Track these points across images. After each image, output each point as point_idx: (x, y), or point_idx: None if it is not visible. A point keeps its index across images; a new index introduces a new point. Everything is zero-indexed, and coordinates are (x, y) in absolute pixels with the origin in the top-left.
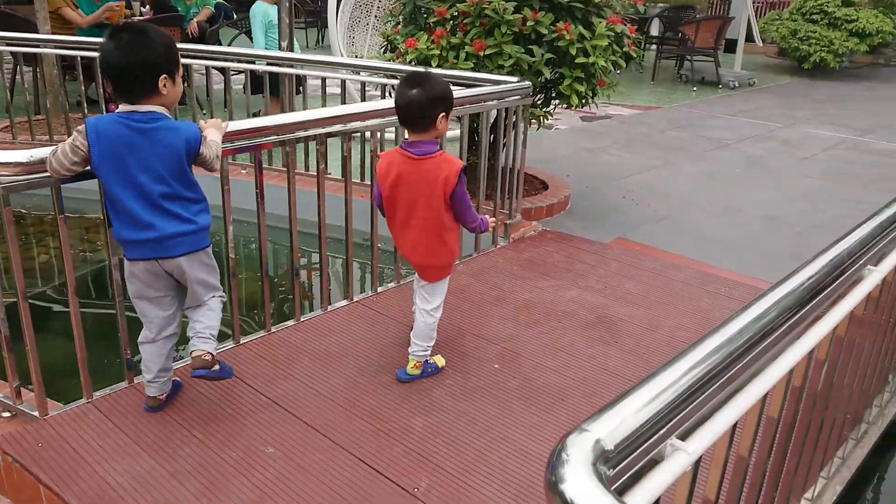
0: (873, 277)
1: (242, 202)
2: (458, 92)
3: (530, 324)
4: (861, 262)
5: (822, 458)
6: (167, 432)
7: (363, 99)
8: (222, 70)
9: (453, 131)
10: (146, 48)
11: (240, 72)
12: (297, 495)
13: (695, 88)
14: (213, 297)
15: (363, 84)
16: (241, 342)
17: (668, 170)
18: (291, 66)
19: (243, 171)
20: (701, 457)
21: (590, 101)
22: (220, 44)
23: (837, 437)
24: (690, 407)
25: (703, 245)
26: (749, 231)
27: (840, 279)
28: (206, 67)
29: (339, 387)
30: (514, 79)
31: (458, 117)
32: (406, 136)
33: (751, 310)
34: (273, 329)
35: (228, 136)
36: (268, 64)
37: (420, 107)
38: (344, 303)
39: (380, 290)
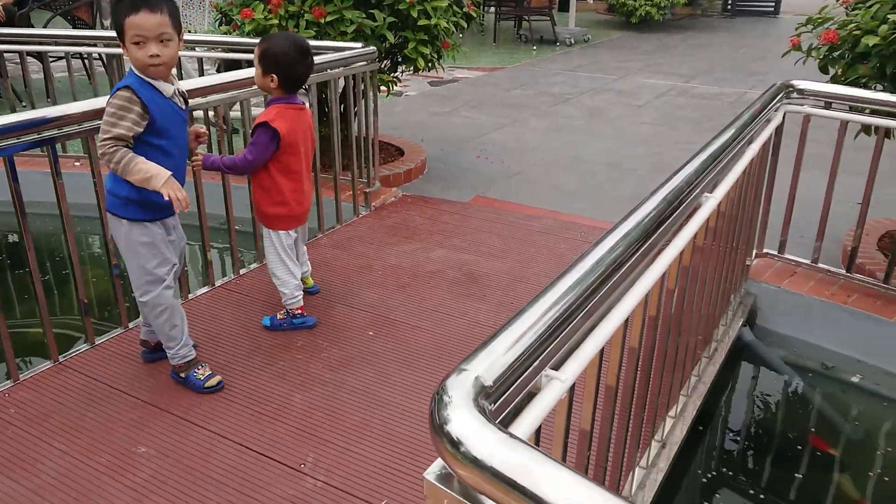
0: (710, 204)
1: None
2: None
3: (400, 287)
4: (697, 191)
5: (681, 377)
6: (22, 449)
7: (202, 75)
8: (39, 56)
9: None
10: None
11: (60, 57)
12: (178, 491)
13: (535, 48)
14: None
15: (200, 61)
16: (97, 343)
17: (518, 127)
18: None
19: (76, 164)
20: (574, 385)
21: (436, 63)
22: (32, 27)
23: (692, 357)
24: (558, 339)
25: (556, 195)
26: (596, 178)
27: (681, 208)
28: (21, 54)
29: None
30: (358, 45)
31: (305, 88)
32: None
33: (602, 245)
34: (131, 325)
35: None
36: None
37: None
38: (205, 289)
39: (242, 272)
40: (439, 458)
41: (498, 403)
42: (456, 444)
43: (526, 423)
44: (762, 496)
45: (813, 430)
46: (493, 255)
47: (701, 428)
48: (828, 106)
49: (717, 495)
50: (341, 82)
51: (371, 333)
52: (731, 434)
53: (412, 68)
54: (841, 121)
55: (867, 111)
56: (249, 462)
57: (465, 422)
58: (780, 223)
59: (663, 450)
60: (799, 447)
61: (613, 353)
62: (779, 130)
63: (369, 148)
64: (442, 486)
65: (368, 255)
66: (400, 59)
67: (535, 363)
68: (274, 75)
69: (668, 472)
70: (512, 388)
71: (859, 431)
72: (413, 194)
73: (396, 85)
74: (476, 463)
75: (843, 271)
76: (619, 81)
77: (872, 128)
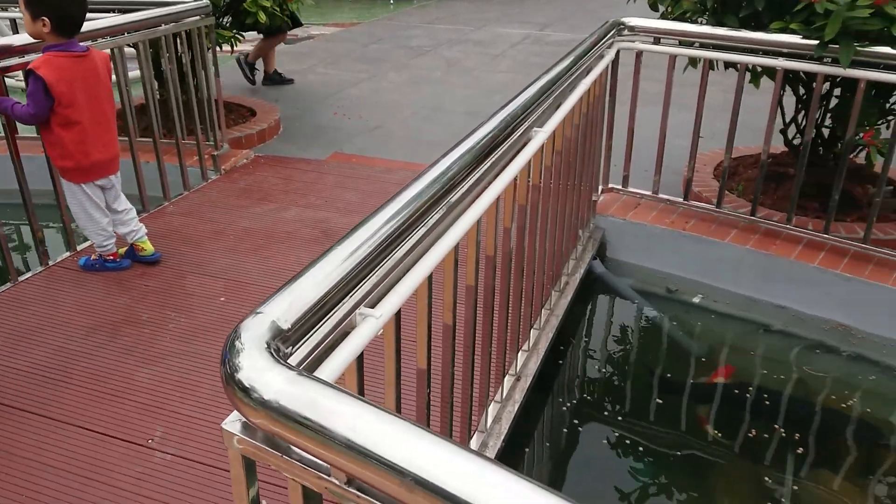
0: (539, 137)
1: None
2: (126, 17)
3: (254, 251)
4: (527, 123)
5: (531, 312)
6: None
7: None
8: None
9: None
10: None
11: None
12: (7, 483)
13: (392, 1)
14: None
15: (13, 20)
16: None
17: (376, 81)
18: None
19: None
20: (398, 321)
21: (281, 18)
22: None
23: (542, 293)
24: (374, 275)
25: (415, 147)
26: (454, 128)
27: (508, 141)
28: None
29: (45, 359)
30: None
31: (132, 45)
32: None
33: (421, 179)
34: None
35: None
36: None
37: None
38: (39, 269)
39: (80, 247)
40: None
41: (302, 345)
42: (247, 390)
43: (335, 363)
44: (620, 419)
45: (665, 351)
46: (349, 211)
47: (561, 362)
48: (657, 41)
49: (576, 421)
50: (176, 41)
51: (223, 300)
52: (587, 362)
53: (253, 22)
54: (669, 55)
55: (696, 45)
56: (91, 444)
57: (254, 366)
58: (635, 159)
59: (518, 382)
60: (651, 370)
61: (447, 289)
62: (614, 66)
63: (212, 109)
64: (242, 436)
65: (220, 220)
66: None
67: (349, 301)
68: (45, 18)
69: (523, 403)
70: (319, 329)
71: (704, 348)
72: (267, 155)
73: (240, 42)
74: (265, 405)
75: (682, 200)
76: (476, 32)
77: (698, 60)
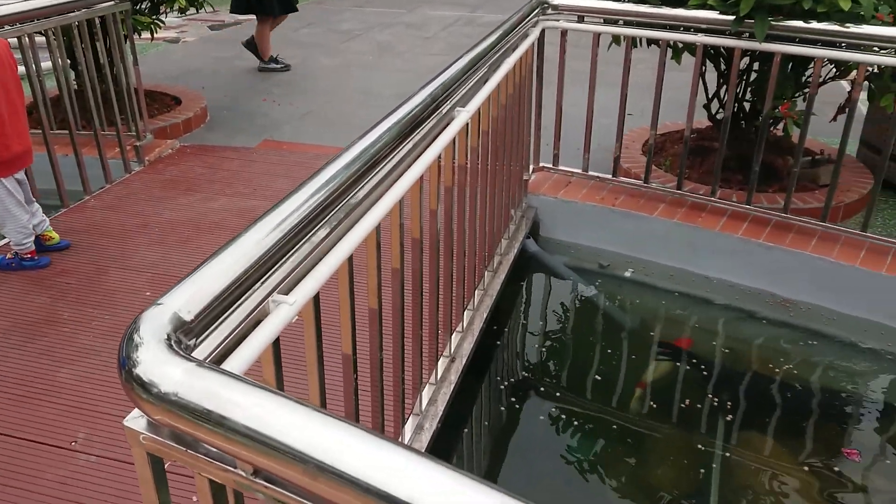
0: (462, 117)
1: None
2: (33, 3)
3: (180, 243)
4: (450, 103)
5: (463, 293)
6: None
7: None
8: None
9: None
10: None
11: None
12: None
13: None
14: None
15: None
16: None
17: (307, 66)
18: None
19: None
20: (317, 307)
21: (200, 1)
22: None
23: (475, 274)
24: (290, 260)
25: (347, 131)
26: (387, 111)
27: (434, 117)
28: None
29: None
30: None
31: (41, 32)
32: None
33: (336, 162)
34: None
35: None
36: None
37: None
38: None
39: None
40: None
41: (209, 337)
42: (145, 385)
43: (246, 353)
44: (558, 395)
45: (599, 326)
46: (279, 198)
47: (498, 342)
48: (581, 19)
49: (513, 399)
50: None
51: (148, 294)
52: (524, 340)
53: (172, 8)
54: (594, 33)
55: (620, 22)
56: (10, 451)
57: (152, 360)
58: (566, 138)
59: (452, 364)
60: (587, 345)
61: (370, 273)
62: (541, 46)
63: (132, 98)
64: (146, 433)
65: (144, 212)
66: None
67: (261, 288)
68: None
69: (459, 383)
70: (228, 319)
71: (636, 320)
72: (193, 144)
73: (160, 28)
74: (164, 399)
75: (611, 176)
76: (408, 15)
77: (621, 38)
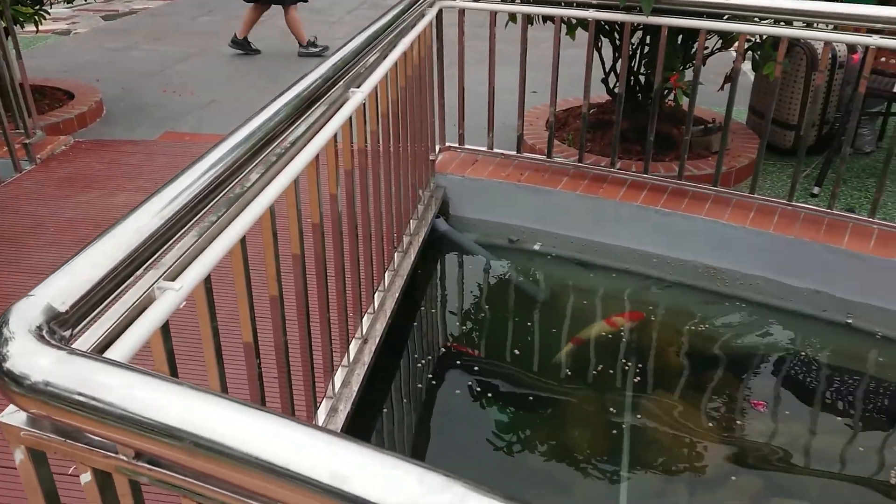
0: (357, 98)
1: None
2: None
3: (79, 242)
4: (343, 84)
5: (372, 275)
6: None
7: None
8: None
9: None
10: None
11: None
12: None
13: None
14: None
15: None
16: None
17: (207, 56)
18: None
19: None
20: (210, 293)
21: None
22: None
23: (383, 255)
24: (176, 245)
25: None
26: None
27: (326, 98)
28: None
29: None
30: None
31: None
32: None
33: (222, 146)
34: None
35: None
36: None
37: None
38: None
39: None
40: None
41: (89, 327)
42: (17, 378)
43: (128, 341)
44: (476, 367)
45: (511, 299)
46: None
47: (414, 321)
48: None
49: (431, 376)
50: None
51: None
52: (438, 317)
53: None
54: (490, 12)
55: (517, 0)
56: None
57: (23, 352)
58: (471, 118)
59: (365, 345)
60: (500, 319)
61: (268, 258)
62: (439, 25)
63: (17, 94)
64: (26, 428)
65: (38, 213)
66: None
67: (146, 275)
68: None
69: (372, 364)
70: (110, 308)
71: (547, 292)
72: (89, 139)
73: (44, 20)
74: (36, 390)
75: (515, 153)
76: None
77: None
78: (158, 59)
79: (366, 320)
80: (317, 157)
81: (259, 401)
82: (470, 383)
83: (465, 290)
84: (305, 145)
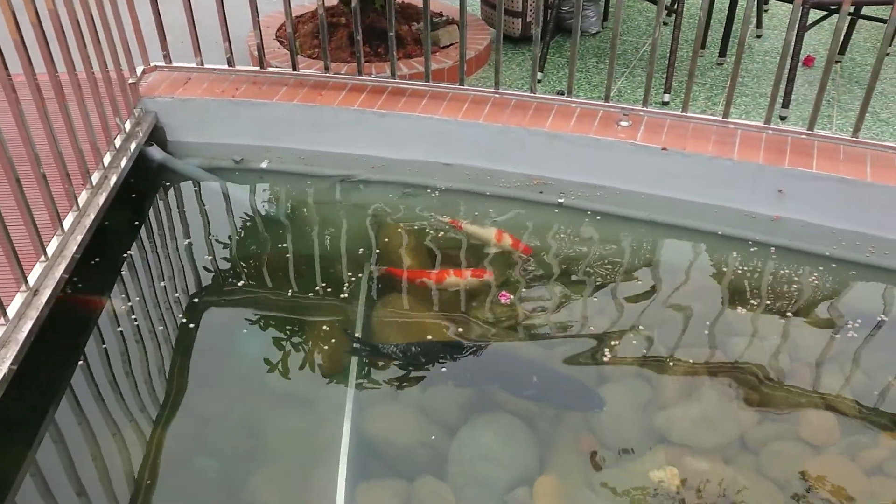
0: None
1: None
2: None
3: None
4: None
5: (48, 215)
6: None
7: None
8: None
9: None
10: None
11: None
12: None
13: None
14: None
15: None
16: None
17: None
18: None
19: None
20: None
21: None
22: None
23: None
24: None
25: None
26: None
27: None
28: None
29: None
30: None
31: None
32: None
33: None
34: None
35: None
36: None
37: None
38: None
39: None
40: None
41: None
42: None
43: None
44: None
45: (240, 224)
46: None
47: (143, 259)
48: None
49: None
50: None
51: None
52: (166, 249)
53: None
54: None
55: None
56: None
57: None
58: (179, 31)
59: (35, 297)
60: (240, 241)
61: None
62: None
63: None
64: None
65: None
66: None
67: None
68: None
69: (46, 319)
70: None
71: (282, 211)
72: None
73: None
74: None
75: (227, 67)
76: None
77: None
78: None
79: (38, 268)
80: None
81: None
82: (226, 315)
83: (192, 216)
84: None
